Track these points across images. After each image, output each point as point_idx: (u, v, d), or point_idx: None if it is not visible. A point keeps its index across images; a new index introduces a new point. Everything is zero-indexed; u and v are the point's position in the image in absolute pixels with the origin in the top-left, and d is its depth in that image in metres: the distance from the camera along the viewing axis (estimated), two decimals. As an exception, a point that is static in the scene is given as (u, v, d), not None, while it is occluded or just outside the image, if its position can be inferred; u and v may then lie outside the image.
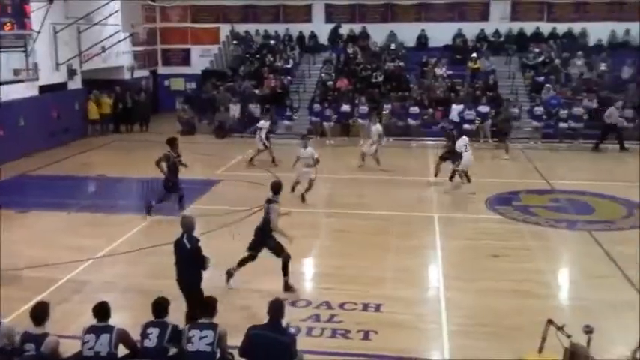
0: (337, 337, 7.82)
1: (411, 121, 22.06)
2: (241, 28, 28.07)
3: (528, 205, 13.76)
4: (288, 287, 9.02)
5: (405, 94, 23.66)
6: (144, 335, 6.01)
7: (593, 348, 6.03)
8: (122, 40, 23.55)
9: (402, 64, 25.06)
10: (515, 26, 26.31)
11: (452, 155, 15.19)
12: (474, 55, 24.75)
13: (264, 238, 9.08)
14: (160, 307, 6.18)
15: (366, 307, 8.62)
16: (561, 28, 25.98)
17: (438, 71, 24.46)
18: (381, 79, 24.32)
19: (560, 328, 6.20)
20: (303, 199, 13.69)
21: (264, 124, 17.94)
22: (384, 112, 21.40)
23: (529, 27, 26.15)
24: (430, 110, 22.69)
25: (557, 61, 24.37)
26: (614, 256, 10.53)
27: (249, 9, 28.22)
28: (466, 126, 21.01)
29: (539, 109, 21.89)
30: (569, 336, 5.97)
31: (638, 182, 14.52)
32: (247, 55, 26.67)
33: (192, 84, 27.43)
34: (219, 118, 23.16)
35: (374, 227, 12.26)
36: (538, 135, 21.60)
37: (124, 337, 6.01)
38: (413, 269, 10.14)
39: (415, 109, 22.45)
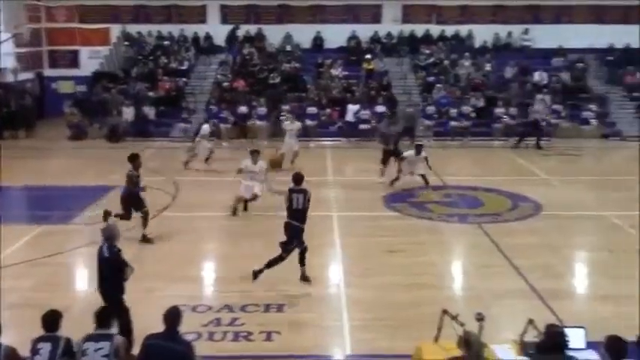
0: (239, 341, 7.76)
1: (309, 122, 22.26)
2: (133, 28, 27.23)
3: (423, 202, 14.24)
4: (306, 278, 9.42)
5: (302, 95, 23.86)
6: (34, 351, 5.67)
7: (484, 334, 6.31)
8: (4, 41, 22.23)
9: (298, 65, 25.25)
10: (407, 28, 27.15)
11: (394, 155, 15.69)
12: (368, 56, 25.33)
13: (299, 231, 9.26)
14: (51, 320, 5.86)
15: (267, 308, 8.61)
16: (449, 30, 27.11)
17: (334, 72, 24.84)
18: (277, 80, 24.38)
19: (454, 318, 6.45)
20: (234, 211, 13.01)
21: (206, 129, 17.68)
22: (283, 115, 21.48)
23: (419, 29, 27.07)
24: (327, 110, 23.00)
25: (446, 62, 25.41)
26: (502, 247, 11.10)
27: (141, 9, 27.43)
28: (362, 126, 21.48)
29: (430, 109, 22.76)
30: (462, 324, 6.22)
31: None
32: (140, 57, 25.96)
33: (82, 87, 26.29)
34: (111, 122, 22.37)
35: (275, 228, 12.19)
36: (430, 133, 22.40)
37: (11, 355, 5.66)
38: (314, 268, 10.19)
39: (312, 110, 22.70)
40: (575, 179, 16.48)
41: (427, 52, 26.04)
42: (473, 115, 22.46)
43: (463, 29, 27.06)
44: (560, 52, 25.85)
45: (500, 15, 27.16)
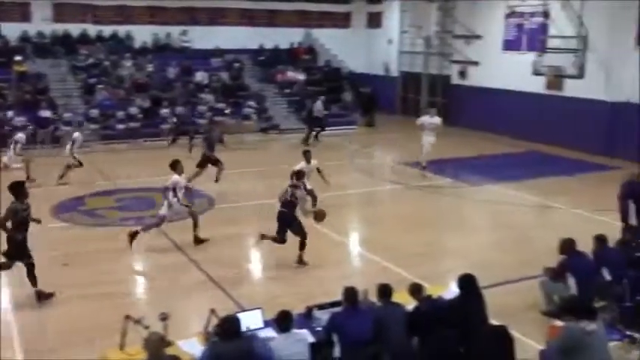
0: None
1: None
2: None
3: (95, 208, 13.67)
4: (302, 261, 10.26)
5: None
6: None
7: (171, 332, 6.37)
8: None
9: None
10: (61, 28, 25.48)
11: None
12: (19, 57, 23.17)
13: (290, 220, 10.17)
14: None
15: None
16: (107, 30, 26.30)
17: (-21, 75, 22.23)
18: None
19: (137, 322, 6.37)
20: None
21: (21, 137, 15.98)
22: None
23: (75, 29, 25.68)
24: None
25: (106, 63, 24.67)
26: (180, 244, 11.28)
27: None
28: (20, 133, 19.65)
29: (94, 112, 21.87)
30: (147, 327, 6.18)
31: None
32: None
33: None
34: None
35: None
36: (97, 137, 21.56)
37: None
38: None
39: (-44, 119, 19.99)
40: (244, 171, 17.48)
41: (85, 52, 24.91)
42: (140, 116, 22.26)
43: (121, 29, 26.52)
44: (218, 52, 27.13)
45: (158, 16, 27.28)
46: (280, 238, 10.25)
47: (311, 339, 6.33)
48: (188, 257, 10.63)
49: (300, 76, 27.39)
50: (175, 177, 11.08)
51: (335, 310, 6.62)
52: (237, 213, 13.64)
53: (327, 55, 29.71)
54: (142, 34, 26.60)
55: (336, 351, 6.21)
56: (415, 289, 6.81)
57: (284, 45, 28.70)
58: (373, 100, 27.17)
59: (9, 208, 8.73)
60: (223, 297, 9.07)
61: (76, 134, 16.38)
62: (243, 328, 5.98)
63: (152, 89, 23.99)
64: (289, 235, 10.30)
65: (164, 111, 22.74)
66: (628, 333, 7.79)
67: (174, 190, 11.03)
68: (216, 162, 15.80)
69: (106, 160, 19.13)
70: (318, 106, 22.93)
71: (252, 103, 24.74)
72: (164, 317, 6.34)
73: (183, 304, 8.74)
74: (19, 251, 8.75)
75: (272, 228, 12.45)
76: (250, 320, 6.53)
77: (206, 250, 10.96)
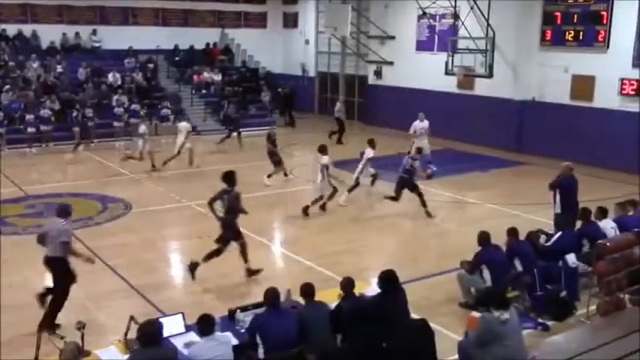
0: None
1: None
2: None
3: (5, 216, 13.01)
4: (429, 214, 13.33)
5: None
6: None
7: (89, 341, 6.15)
8: None
9: None
10: (-42, 26, 24.20)
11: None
12: None
13: (409, 183, 13.19)
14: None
15: None
16: (11, 29, 25.11)
17: None
18: None
19: (52, 333, 6.13)
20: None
21: (145, 129, 17.33)
22: None
23: (-25, 27, 24.44)
24: None
25: (11, 64, 23.55)
26: (96, 250, 10.87)
27: None
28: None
29: (-1, 114, 20.82)
30: (62, 337, 5.95)
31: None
32: None
33: None
34: None
35: None
36: (2, 141, 20.51)
37: None
38: None
39: None
40: (160, 175, 17.14)
41: (-11, 53, 23.71)
42: (52, 118, 21.34)
43: (26, 29, 25.39)
44: (131, 53, 26.42)
45: (66, 15, 26.25)
46: (397, 197, 13.29)
47: (234, 341, 6.27)
48: (105, 263, 10.28)
49: (217, 77, 27.07)
50: (326, 157, 13.12)
51: (258, 312, 6.59)
52: (153, 217, 13.33)
53: (243, 56, 29.53)
54: (50, 33, 25.54)
55: (260, 352, 6.18)
56: (347, 283, 6.92)
57: (199, 45, 28.27)
58: (290, 98, 27.14)
59: (235, 194, 9.54)
60: (143, 303, 8.83)
61: (184, 123, 18.07)
62: (165, 333, 5.86)
63: (62, 91, 23.06)
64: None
65: (76, 113, 21.90)
66: (540, 321, 8.18)
67: (326, 168, 13.09)
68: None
69: (15, 164, 18.28)
70: (339, 107, 23.14)
71: (168, 104, 24.22)
72: (80, 326, 6.13)
73: (100, 311, 8.46)
74: (235, 233, 9.65)
75: (193, 230, 12.34)
76: (172, 325, 6.40)
77: (122, 256, 10.66)
